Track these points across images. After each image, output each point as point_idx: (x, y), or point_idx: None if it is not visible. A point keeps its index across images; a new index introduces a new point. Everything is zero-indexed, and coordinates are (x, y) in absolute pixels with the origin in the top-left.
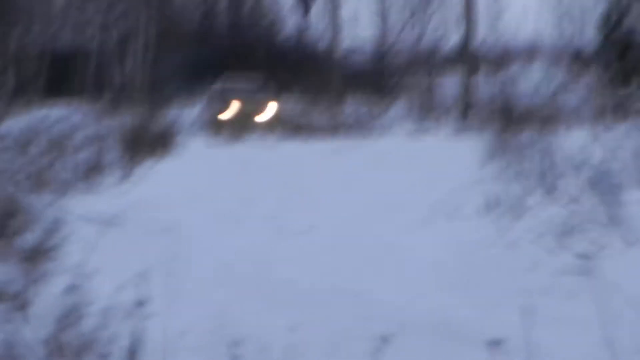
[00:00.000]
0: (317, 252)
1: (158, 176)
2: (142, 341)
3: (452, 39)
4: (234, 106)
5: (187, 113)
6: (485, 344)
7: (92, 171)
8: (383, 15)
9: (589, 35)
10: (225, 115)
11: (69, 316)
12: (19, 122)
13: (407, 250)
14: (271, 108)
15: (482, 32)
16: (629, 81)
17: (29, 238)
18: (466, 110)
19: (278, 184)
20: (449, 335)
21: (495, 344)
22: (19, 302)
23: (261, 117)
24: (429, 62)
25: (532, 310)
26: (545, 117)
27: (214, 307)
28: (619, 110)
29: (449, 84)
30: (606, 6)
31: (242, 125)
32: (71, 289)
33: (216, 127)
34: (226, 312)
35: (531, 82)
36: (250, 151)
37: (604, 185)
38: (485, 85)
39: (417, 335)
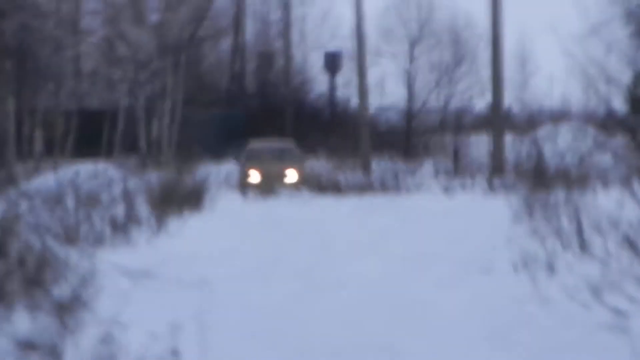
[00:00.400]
0: (348, 308)
1: (189, 231)
2: None
3: (481, 100)
4: (260, 171)
5: (215, 172)
6: None
7: (124, 227)
8: (411, 77)
9: (617, 101)
10: (253, 179)
11: None
12: (48, 180)
13: (439, 306)
14: (295, 173)
15: (511, 95)
16: None
17: (63, 290)
18: (496, 170)
19: (308, 240)
20: None
21: None
22: (53, 354)
23: (288, 179)
24: (457, 123)
25: None
26: (575, 178)
27: None
28: None
29: (478, 144)
30: (632, 75)
31: (269, 186)
32: (105, 340)
33: (244, 188)
34: None
35: (560, 144)
36: (280, 208)
37: (638, 243)
38: (514, 146)
39: None
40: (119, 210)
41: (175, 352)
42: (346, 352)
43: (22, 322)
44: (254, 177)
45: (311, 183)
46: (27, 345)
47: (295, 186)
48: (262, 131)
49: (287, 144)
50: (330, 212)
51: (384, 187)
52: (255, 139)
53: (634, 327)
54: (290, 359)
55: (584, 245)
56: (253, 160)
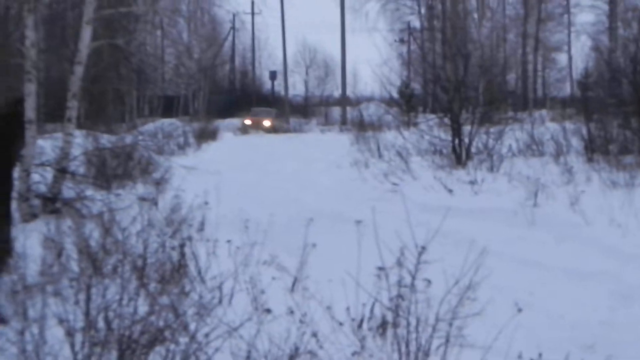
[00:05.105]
0: (280, 183)
1: (211, 149)
2: (206, 219)
3: (336, 92)
4: (253, 119)
5: (222, 123)
6: (354, 222)
7: (183, 147)
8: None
9: (394, 94)
10: (249, 123)
11: (175, 208)
12: (150, 126)
13: (320, 182)
14: (267, 121)
15: (350, 88)
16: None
17: (157, 175)
18: (344, 122)
19: (264, 152)
20: (338, 218)
21: (358, 222)
22: (154, 203)
23: (265, 125)
24: (324, 101)
25: (374, 208)
26: (376, 126)
27: (236, 205)
28: (409, 124)
29: (336, 112)
30: (401, 82)
31: (256, 128)
32: (175, 197)
33: (244, 129)
34: (242, 207)
35: (370, 111)
36: (253, 139)
37: (402, 154)
38: (351, 112)
39: (324, 218)
40: (181, 140)
41: (206, 202)
42: (278, 202)
43: (140, 189)
44: (250, 122)
45: (266, 128)
46: (142, 199)
47: (269, 128)
48: (242, 105)
49: (269, 110)
50: (273, 140)
51: (297, 130)
52: (254, 109)
53: (402, 191)
54: (255, 203)
55: (380, 155)
56: (253, 115)
